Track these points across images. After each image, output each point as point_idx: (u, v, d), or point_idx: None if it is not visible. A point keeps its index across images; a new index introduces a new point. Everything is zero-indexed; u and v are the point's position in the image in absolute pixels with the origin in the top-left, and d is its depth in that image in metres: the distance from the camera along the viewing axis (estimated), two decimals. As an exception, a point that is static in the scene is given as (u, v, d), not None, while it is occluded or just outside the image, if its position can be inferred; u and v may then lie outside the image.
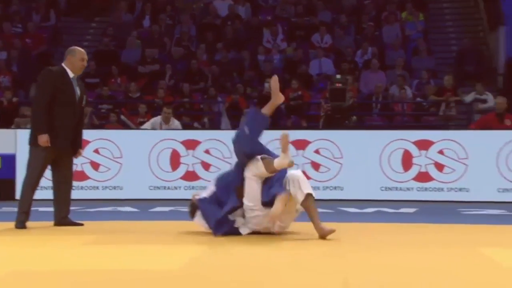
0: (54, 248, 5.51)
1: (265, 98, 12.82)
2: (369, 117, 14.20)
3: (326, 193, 10.29)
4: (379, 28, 16.23)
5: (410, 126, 13.01)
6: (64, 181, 6.94)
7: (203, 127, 13.59)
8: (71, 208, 7.03)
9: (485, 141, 10.59)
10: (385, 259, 4.93)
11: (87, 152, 10.28)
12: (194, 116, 14.07)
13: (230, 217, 6.01)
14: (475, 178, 10.41)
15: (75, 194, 7.24)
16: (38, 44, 16.03)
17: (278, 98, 6.23)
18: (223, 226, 6.00)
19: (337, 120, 11.68)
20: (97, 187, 10.73)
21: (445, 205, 10.03)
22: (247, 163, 5.97)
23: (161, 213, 8.71)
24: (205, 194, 6.19)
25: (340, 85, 11.84)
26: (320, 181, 10.47)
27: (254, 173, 5.92)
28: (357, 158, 10.60)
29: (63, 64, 6.96)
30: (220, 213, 6.01)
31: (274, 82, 6.25)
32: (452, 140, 10.60)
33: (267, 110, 6.23)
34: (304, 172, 6.79)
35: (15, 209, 6.88)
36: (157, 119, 11.55)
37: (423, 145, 10.63)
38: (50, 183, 6.98)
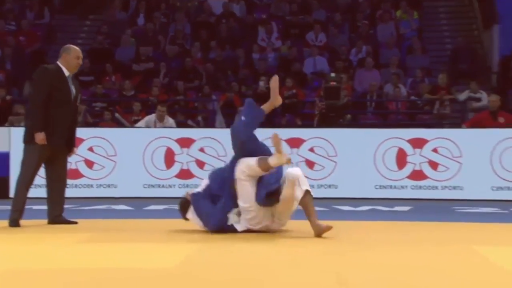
0: (48, 246, 5.50)
1: (260, 96, 12.85)
2: (363, 116, 14.21)
3: (320, 191, 10.29)
4: (373, 27, 16.25)
5: (405, 125, 13.02)
6: (58, 179, 6.92)
7: (198, 125, 13.58)
8: (65, 206, 7.02)
9: (479, 139, 10.61)
10: (380, 257, 4.94)
11: (81, 150, 10.26)
12: (188, 114, 14.05)
13: (224, 212, 5.98)
14: (469, 176, 10.44)
15: (69, 192, 7.22)
16: (32, 42, 15.99)
17: (277, 100, 6.25)
18: (216, 221, 5.98)
19: (332, 118, 11.68)
20: (91, 185, 10.71)
21: (439, 203, 10.05)
22: (242, 156, 5.94)
23: (155, 211, 8.69)
24: (199, 188, 6.18)
25: (334, 83, 11.84)
26: (314, 179, 10.46)
27: (246, 174, 5.90)
28: (351, 157, 10.61)
29: (58, 62, 6.94)
30: (213, 208, 5.99)
31: (274, 82, 6.25)
32: (446, 139, 10.62)
33: (265, 107, 6.25)
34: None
35: (9, 207, 6.87)
36: (152, 117, 11.53)
37: (417, 143, 10.64)
38: (44, 181, 6.97)
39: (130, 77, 14.81)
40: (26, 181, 6.79)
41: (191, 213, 6.19)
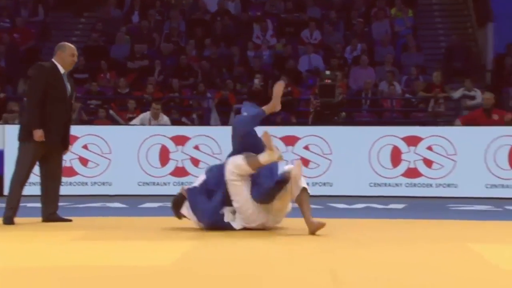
0: (42, 244, 5.49)
1: (255, 94, 12.85)
2: (358, 113, 14.22)
3: (315, 189, 10.23)
4: (368, 24, 16.26)
5: (399, 122, 13.05)
6: (52, 177, 6.91)
7: (192, 123, 13.57)
8: (60, 204, 7.01)
9: (473, 137, 10.63)
10: (374, 255, 4.94)
11: (75, 147, 10.25)
12: (183, 112, 14.04)
13: (219, 209, 5.97)
14: (464, 174, 10.46)
15: (63, 190, 7.21)
16: (27, 39, 15.95)
17: (278, 106, 6.24)
18: (211, 217, 5.97)
19: (327, 116, 11.70)
20: (86, 183, 10.69)
21: (433, 201, 10.07)
22: (243, 149, 5.95)
23: (150, 209, 8.69)
24: (195, 183, 6.17)
25: (329, 81, 11.86)
26: (309, 177, 10.40)
27: (236, 174, 5.89)
28: (346, 154, 10.62)
29: (53, 60, 6.93)
30: (209, 204, 5.98)
31: (278, 87, 6.25)
32: (440, 136, 10.64)
33: (266, 108, 6.24)
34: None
35: (3, 205, 6.86)
36: (146, 114, 11.52)
37: (412, 141, 10.66)
38: (38, 179, 6.95)
39: (124, 74, 14.79)
40: (20, 179, 6.77)
41: (185, 208, 6.17)
